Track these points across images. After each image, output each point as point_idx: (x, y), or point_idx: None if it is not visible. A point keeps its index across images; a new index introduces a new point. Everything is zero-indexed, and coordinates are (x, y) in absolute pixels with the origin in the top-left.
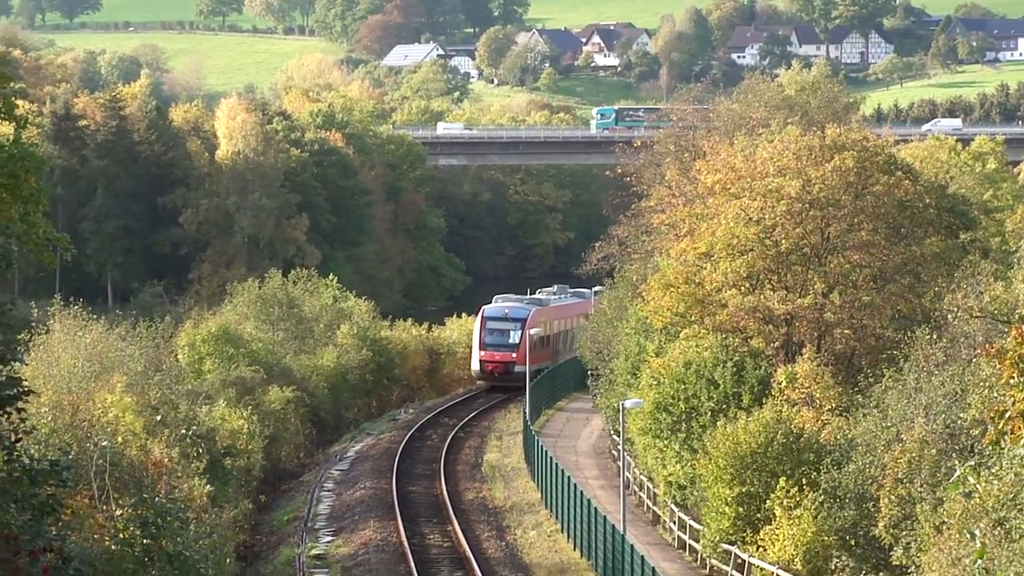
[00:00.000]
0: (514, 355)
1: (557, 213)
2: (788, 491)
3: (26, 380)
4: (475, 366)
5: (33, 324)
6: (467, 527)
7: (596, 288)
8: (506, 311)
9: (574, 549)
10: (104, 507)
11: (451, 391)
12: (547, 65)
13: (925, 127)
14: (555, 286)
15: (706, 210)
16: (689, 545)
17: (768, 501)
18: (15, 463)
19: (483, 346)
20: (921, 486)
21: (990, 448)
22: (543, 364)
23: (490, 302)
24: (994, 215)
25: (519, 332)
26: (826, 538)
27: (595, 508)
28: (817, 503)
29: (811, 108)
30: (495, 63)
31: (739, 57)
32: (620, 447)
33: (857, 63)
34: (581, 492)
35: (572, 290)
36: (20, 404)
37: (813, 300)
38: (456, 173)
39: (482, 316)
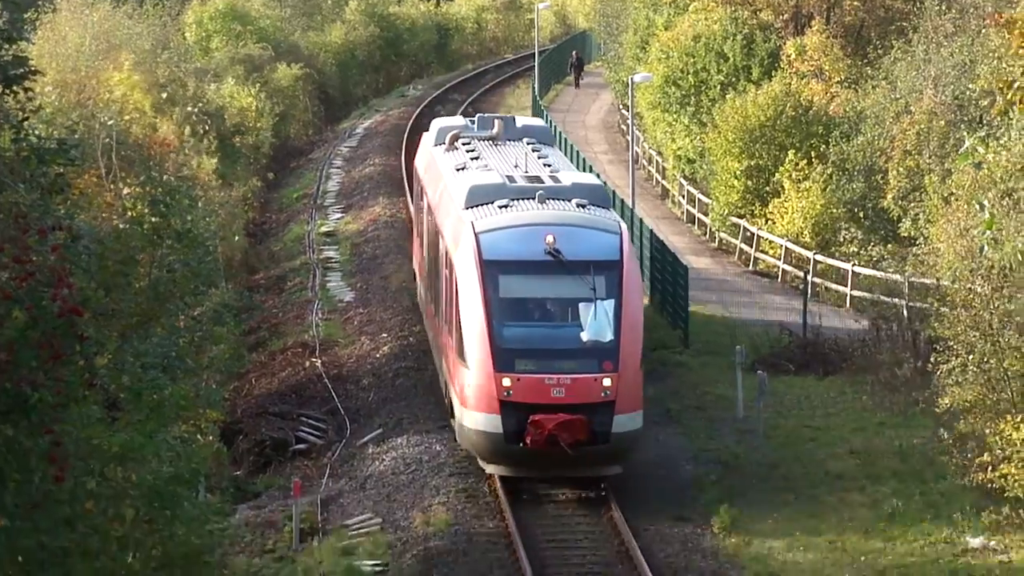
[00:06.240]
0: (608, 381)
1: None
2: (797, 164)
3: (32, 59)
4: (473, 423)
5: (39, 2)
6: None
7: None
8: (550, 239)
9: None
10: (112, 186)
11: (460, 67)
12: None
13: None
14: (494, 122)
15: None
16: (698, 219)
17: (777, 174)
18: (22, 142)
19: (500, 363)
20: (930, 157)
21: (999, 119)
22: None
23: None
24: None
25: (611, 304)
26: (834, 210)
27: (604, 182)
28: (826, 175)
29: None
30: None
31: None
32: (629, 121)
33: None
34: (591, 166)
35: (522, 122)
36: (27, 83)
37: None
38: None
39: (479, 260)
